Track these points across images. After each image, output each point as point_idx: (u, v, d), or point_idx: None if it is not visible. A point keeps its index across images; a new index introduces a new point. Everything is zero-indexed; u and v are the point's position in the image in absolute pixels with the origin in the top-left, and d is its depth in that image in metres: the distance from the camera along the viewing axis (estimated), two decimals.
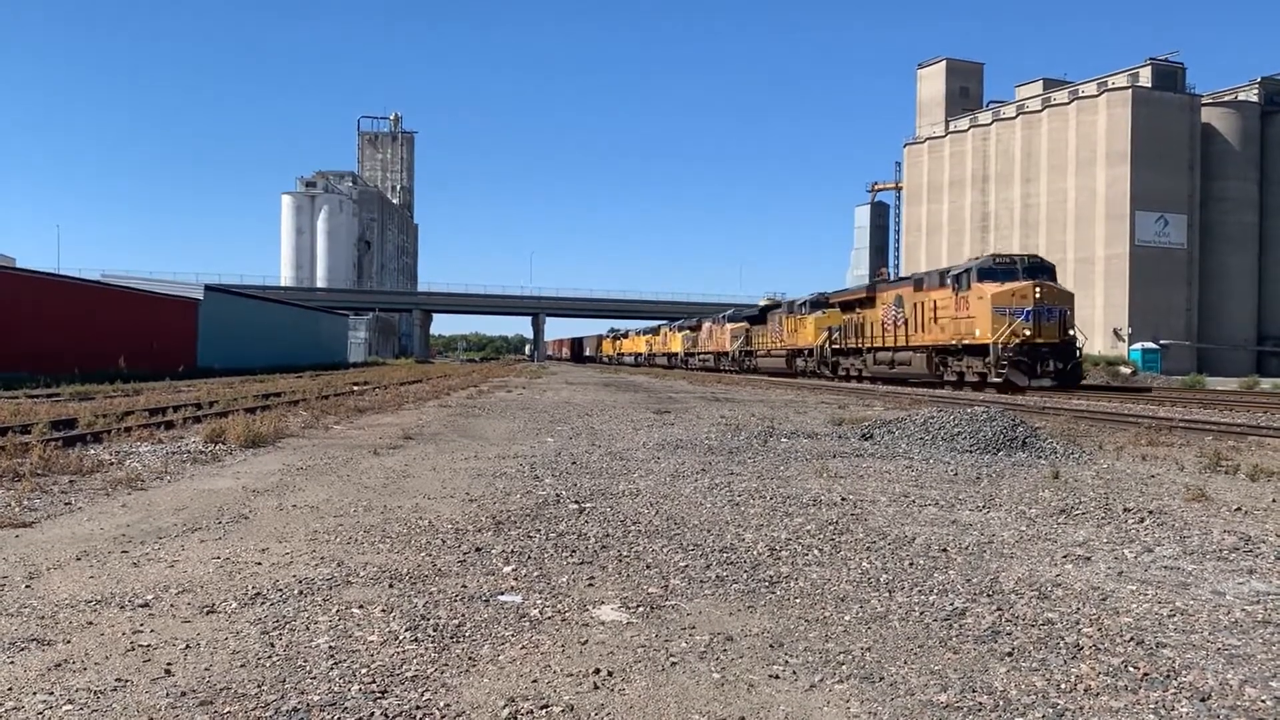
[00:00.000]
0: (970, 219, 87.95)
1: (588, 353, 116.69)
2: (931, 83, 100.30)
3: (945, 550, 5.20)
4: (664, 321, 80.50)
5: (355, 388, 24.98)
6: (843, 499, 6.96)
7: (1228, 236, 70.14)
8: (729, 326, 53.72)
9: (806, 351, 40.54)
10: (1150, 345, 57.35)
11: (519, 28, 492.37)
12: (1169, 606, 4.09)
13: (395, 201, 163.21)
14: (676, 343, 67.22)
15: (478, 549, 5.20)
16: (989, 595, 4.27)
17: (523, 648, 3.53)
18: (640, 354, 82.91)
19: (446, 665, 3.32)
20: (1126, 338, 59.58)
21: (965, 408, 12.56)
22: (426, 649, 3.49)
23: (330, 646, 3.50)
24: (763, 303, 55.39)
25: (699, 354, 60.60)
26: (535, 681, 3.18)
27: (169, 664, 3.31)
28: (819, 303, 40.80)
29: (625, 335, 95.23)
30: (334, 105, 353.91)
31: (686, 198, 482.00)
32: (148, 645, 3.51)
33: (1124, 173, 73.46)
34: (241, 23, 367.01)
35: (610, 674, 3.25)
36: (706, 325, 59.62)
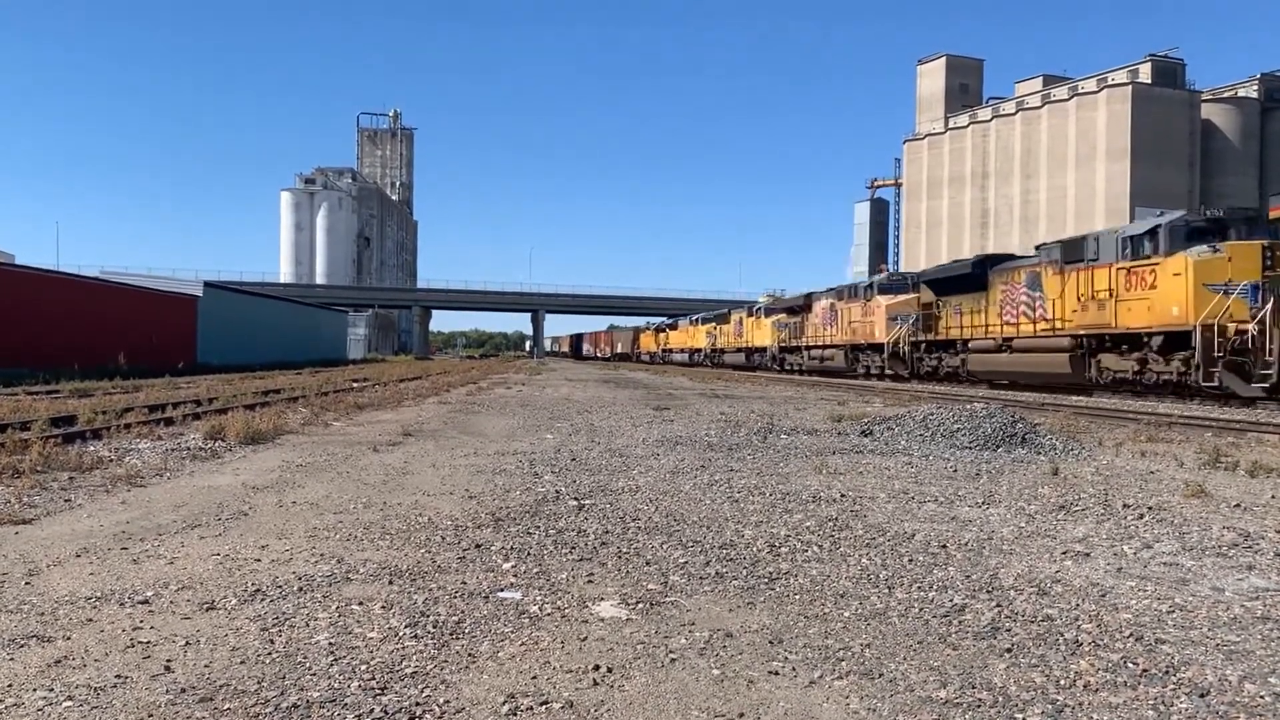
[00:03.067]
0: (970, 215, 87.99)
1: (619, 349, 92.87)
2: (931, 79, 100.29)
3: (945, 547, 5.20)
4: (734, 306, 59.30)
5: (355, 384, 24.97)
6: (842, 495, 6.96)
7: None
8: (881, 302, 32.10)
9: (1147, 339, 18.75)
10: None
11: (518, 25, 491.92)
12: (1168, 603, 4.09)
13: (395, 198, 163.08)
14: (764, 333, 46.42)
15: (477, 545, 5.20)
16: (988, 591, 4.27)
17: (522, 644, 3.53)
18: (697, 350, 61.89)
19: (446, 662, 3.32)
20: None
21: (965, 404, 12.56)
22: (426, 645, 3.49)
23: (330, 643, 3.50)
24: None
25: (811, 347, 39.12)
26: (535, 678, 3.19)
27: (169, 660, 3.31)
28: (1183, 228, 18.35)
29: (673, 326, 72.90)
30: (333, 102, 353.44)
31: (685, 195, 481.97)
32: (147, 642, 3.51)
33: (1124, 169, 73.51)
34: (241, 19, 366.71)
35: (610, 670, 3.25)
36: (824, 305, 38.03)
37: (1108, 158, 74.37)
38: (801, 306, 40.94)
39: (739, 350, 51.52)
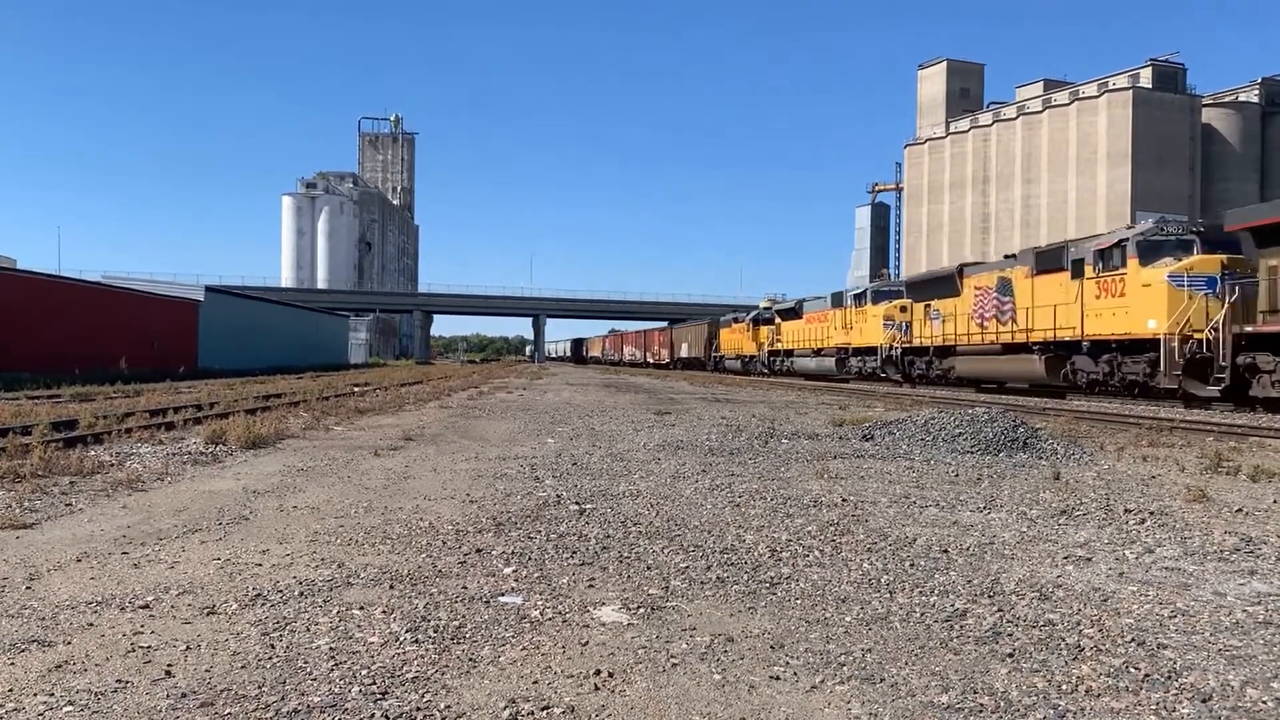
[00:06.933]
0: (971, 219, 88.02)
1: (684, 352, 62.73)
2: (932, 83, 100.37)
3: (946, 551, 5.20)
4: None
5: (356, 389, 24.97)
6: (844, 500, 6.96)
7: None
8: None
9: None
10: None
11: (520, 29, 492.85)
12: (1170, 607, 4.09)
13: (396, 203, 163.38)
14: (1150, 302, 18.13)
15: (478, 550, 5.20)
16: (990, 596, 4.27)
17: (523, 649, 3.53)
18: (865, 350, 33.47)
19: (447, 666, 3.32)
20: None
21: (966, 408, 12.56)
22: (427, 650, 3.48)
23: (331, 648, 3.49)
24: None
25: None
26: (536, 683, 3.18)
27: (169, 665, 3.31)
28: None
29: (791, 313, 41.92)
30: (335, 106, 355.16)
31: (687, 199, 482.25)
32: (148, 646, 3.51)
33: (1124, 173, 73.56)
34: (242, 23, 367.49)
35: (611, 675, 3.25)
36: None
37: (1109, 162, 74.42)
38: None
39: (997, 352, 24.50)
